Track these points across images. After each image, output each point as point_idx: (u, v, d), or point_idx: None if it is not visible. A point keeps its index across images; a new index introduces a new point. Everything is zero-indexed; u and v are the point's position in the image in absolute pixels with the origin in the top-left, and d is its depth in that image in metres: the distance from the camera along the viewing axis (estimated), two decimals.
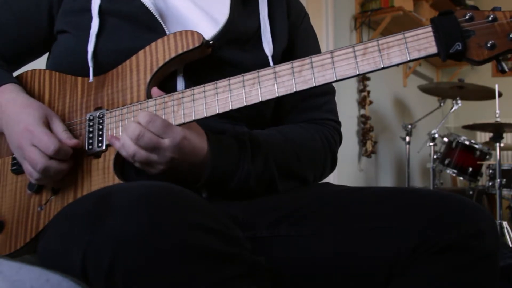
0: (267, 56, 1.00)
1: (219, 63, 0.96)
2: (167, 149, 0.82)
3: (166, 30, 0.95)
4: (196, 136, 0.86)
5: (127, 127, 0.82)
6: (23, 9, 1.02)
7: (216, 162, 0.86)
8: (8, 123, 0.90)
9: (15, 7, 1.03)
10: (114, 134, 0.89)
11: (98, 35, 0.94)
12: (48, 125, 0.89)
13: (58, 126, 0.90)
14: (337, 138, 1.10)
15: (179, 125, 0.85)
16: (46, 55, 1.08)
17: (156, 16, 0.95)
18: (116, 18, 0.96)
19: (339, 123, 1.12)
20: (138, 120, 0.82)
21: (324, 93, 1.10)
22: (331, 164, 1.08)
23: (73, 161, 0.89)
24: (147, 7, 0.95)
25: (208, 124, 0.90)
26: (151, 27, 0.95)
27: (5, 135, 0.93)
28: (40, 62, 1.08)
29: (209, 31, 0.95)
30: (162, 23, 0.95)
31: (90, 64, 0.94)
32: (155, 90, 0.89)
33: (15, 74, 1.03)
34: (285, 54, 1.04)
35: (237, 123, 0.96)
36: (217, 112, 0.84)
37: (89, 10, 0.96)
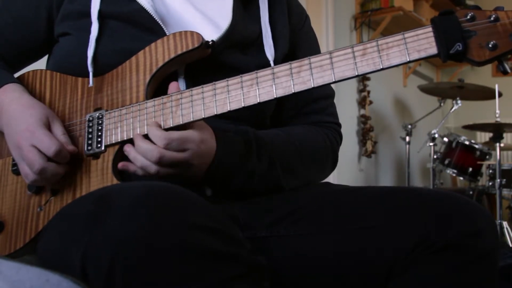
0: (268, 61, 1.00)
1: (221, 66, 0.95)
2: (189, 160, 0.82)
3: (167, 33, 0.94)
4: (208, 135, 0.86)
5: (143, 150, 0.81)
6: (22, 12, 1.01)
7: (221, 158, 0.87)
8: (10, 123, 0.90)
9: (13, 10, 1.02)
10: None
11: (98, 38, 0.94)
12: (48, 127, 0.89)
13: (58, 129, 0.89)
14: (338, 139, 1.11)
15: (189, 123, 0.84)
16: (46, 56, 1.08)
17: (157, 19, 0.95)
18: (117, 21, 0.96)
19: (339, 125, 1.13)
20: (156, 143, 0.81)
21: (325, 97, 1.11)
22: (332, 164, 1.09)
23: (69, 165, 0.89)
24: (147, 11, 0.95)
25: (210, 124, 0.90)
26: (152, 30, 0.95)
27: (5, 134, 0.92)
28: (41, 63, 1.08)
29: (210, 35, 0.94)
30: (163, 26, 0.95)
31: (90, 69, 0.93)
32: (174, 85, 0.88)
33: (16, 75, 1.03)
34: (287, 58, 1.04)
35: (240, 124, 0.96)
36: (215, 113, 0.84)
37: (88, 14, 0.96)
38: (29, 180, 0.88)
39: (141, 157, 0.82)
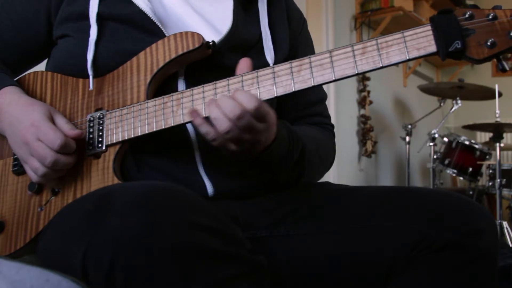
0: (269, 64, 1.00)
1: (221, 67, 0.95)
2: (261, 132, 0.80)
3: (166, 35, 0.94)
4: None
5: (225, 104, 0.78)
6: (21, 16, 1.01)
7: (278, 145, 0.86)
8: (12, 123, 0.90)
9: (13, 14, 1.02)
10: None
11: (97, 40, 0.93)
12: (52, 121, 0.89)
13: (61, 120, 0.89)
14: (334, 139, 1.13)
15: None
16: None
17: (155, 21, 0.95)
18: (116, 23, 0.95)
19: (333, 126, 1.15)
20: (242, 102, 0.77)
21: (321, 100, 1.13)
22: (331, 162, 1.11)
23: (77, 155, 0.89)
24: (146, 13, 0.95)
25: None
26: (152, 31, 0.95)
27: (7, 135, 0.92)
28: (41, 67, 1.08)
29: (210, 38, 0.94)
30: (162, 28, 0.94)
31: (90, 72, 0.93)
32: (247, 63, 0.85)
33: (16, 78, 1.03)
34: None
35: None
36: None
37: (87, 16, 0.95)
38: (38, 174, 0.87)
39: (219, 110, 0.78)
